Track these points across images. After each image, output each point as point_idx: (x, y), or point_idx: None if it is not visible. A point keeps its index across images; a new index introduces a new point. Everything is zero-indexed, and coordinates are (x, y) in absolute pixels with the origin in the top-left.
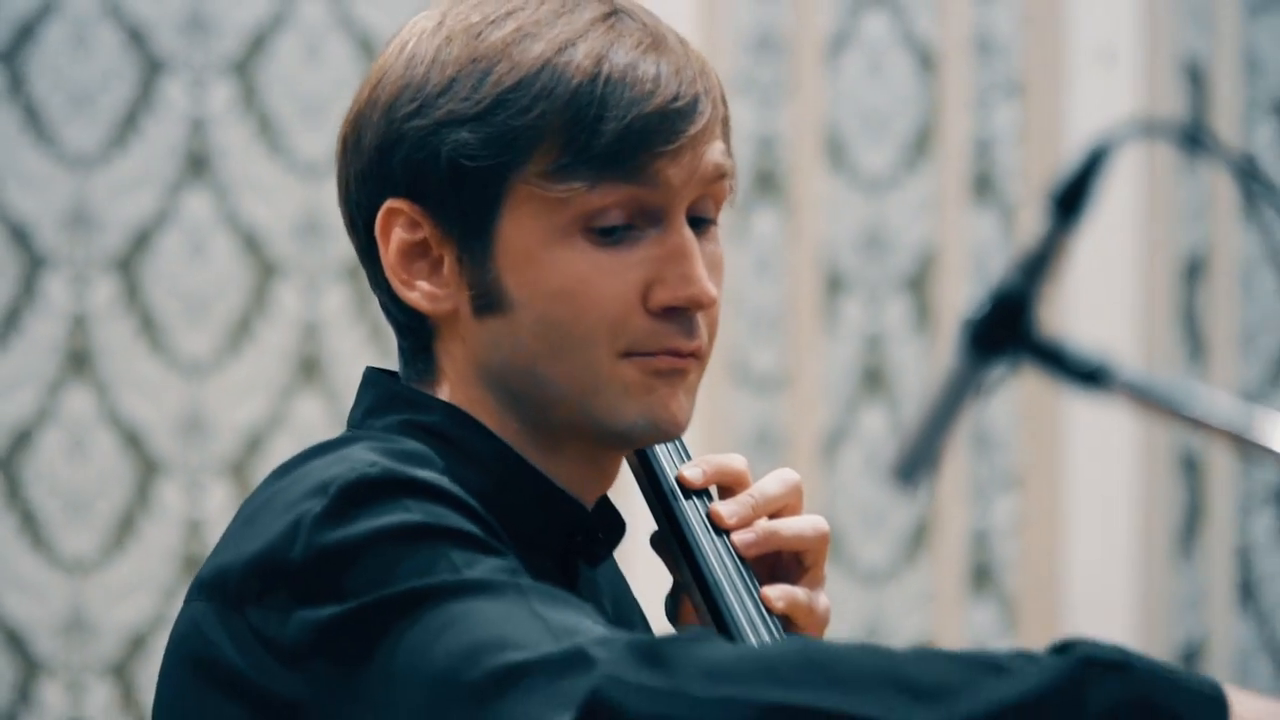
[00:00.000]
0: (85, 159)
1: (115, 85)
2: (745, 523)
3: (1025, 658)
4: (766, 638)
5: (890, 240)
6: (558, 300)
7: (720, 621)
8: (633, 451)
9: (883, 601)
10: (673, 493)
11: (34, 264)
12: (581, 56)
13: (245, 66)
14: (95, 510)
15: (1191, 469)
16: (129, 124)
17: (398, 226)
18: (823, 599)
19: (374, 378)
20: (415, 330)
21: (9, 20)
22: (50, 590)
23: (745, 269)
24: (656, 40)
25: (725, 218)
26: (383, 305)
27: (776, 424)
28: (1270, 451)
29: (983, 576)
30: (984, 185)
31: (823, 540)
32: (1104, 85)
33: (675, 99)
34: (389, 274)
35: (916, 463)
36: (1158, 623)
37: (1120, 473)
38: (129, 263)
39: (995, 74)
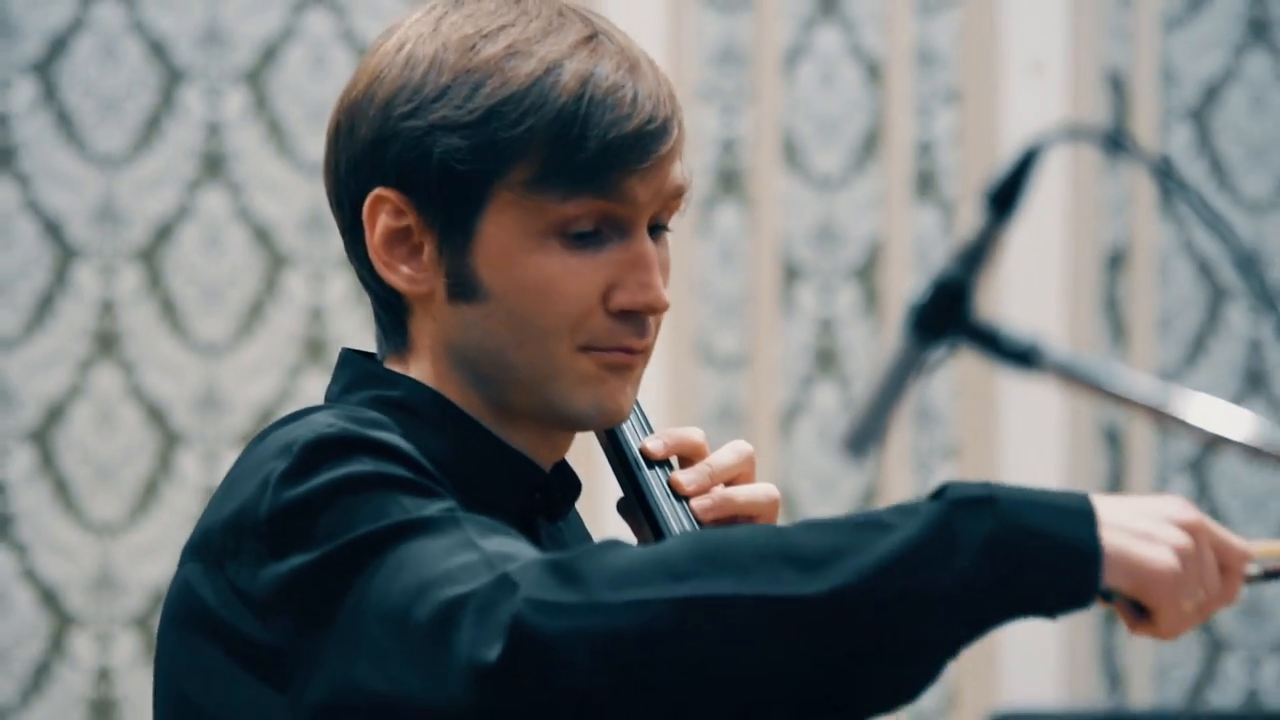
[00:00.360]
0: (112, 160)
1: (139, 93)
2: (703, 490)
3: (904, 510)
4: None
5: (841, 234)
6: (528, 295)
7: None
8: None
9: None
10: (636, 463)
11: (66, 255)
12: (568, 77)
13: (257, 76)
14: (121, 478)
15: (1113, 441)
16: (151, 128)
17: (384, 213)
18: None
19: (348, 358)
20: (391, 304)
21: (43, 34)
22: (81, 551)
23: (709, 259)
24: (633, 64)
25: (691, 212)
26: (360, 276)
27: (737, 400)
28: (1185, 425)
29: None
30: (926, 184)
31: (774, 505)
32: (1034, 94)
33: (650, 121)
34: (372, 255)
35: (865, 435)
36: None
37: (1049, 444)
38: (152, 254)
39: (935, 83)
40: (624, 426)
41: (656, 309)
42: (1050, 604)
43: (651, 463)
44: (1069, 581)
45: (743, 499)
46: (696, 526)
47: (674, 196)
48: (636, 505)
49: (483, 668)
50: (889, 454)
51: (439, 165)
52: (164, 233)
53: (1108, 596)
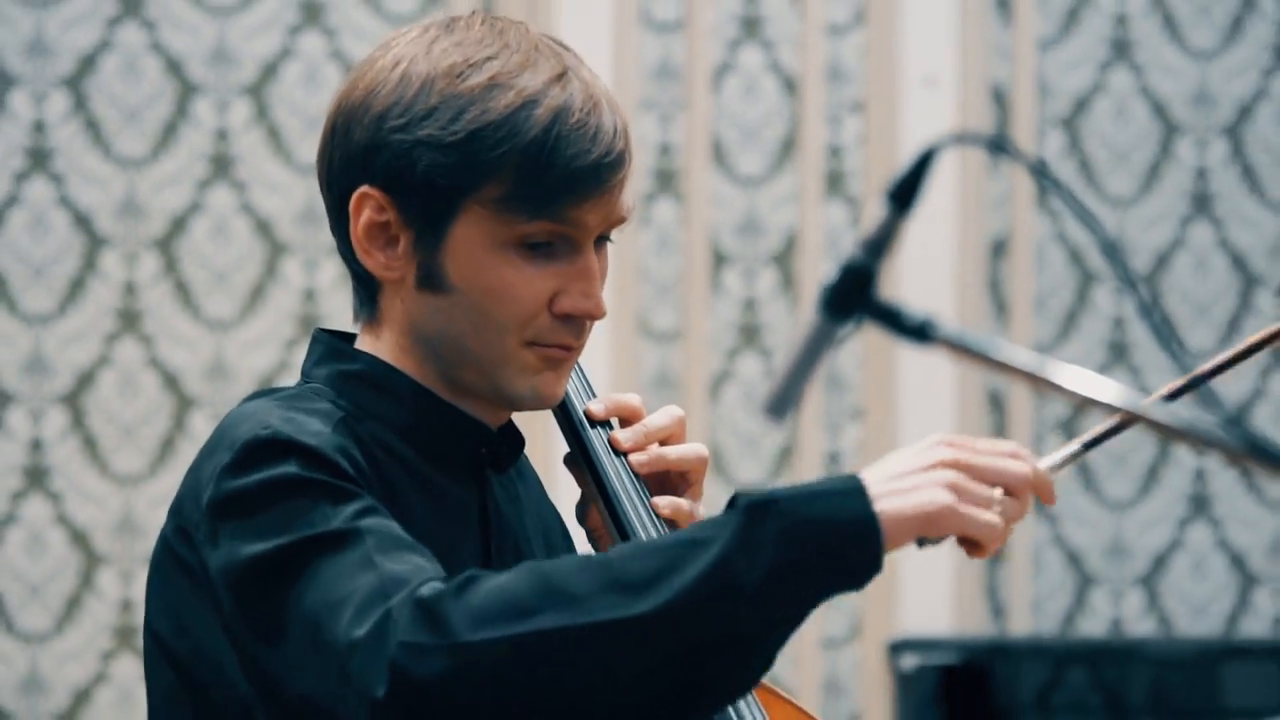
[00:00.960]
0: (134, 161)
1: (157, 104)
2: (639, 447)
3: (712, 524)
4: (654, 533)
5: (762, 226)
6: (486, 295)
7: (619, 524)
8: None
9: None
10: (581, 423)
11: (94, 244)
12: (540, 112)
13: (259, 90)
14: (142, 436)
15: (997, 404)
16: (168, 134)
17: (368, 208)
18: (700, 508)
19: (318, 336)
20: (366, 281)
21: (74, 53)
22: (107, 499)
23: (648, 247)
24: (595, 103)
25: (639, 207)
26: (341, 252)
27: (672, 369)
28: (1058, 390)
29: None
30: (835, 183)
31: (702, 461)
32: (928, 105)
33: (606, 155)
34: (354, 242)
35: (783, 400)
36: None
37: (941, 407)
38: (168, 243)
39: (843, 96)
40: (570, 391)
41: (594, 316)
42: (850, 577)
43: (594, 423)
44: (858, 553)
45: (674, 456)
46: (633, 478)
47: (619, 221)
48: (581, 460)
49: (374, 701)
50: (804, 415)
51: (422, 176)
52: (179, 225)
53: (921, 543)
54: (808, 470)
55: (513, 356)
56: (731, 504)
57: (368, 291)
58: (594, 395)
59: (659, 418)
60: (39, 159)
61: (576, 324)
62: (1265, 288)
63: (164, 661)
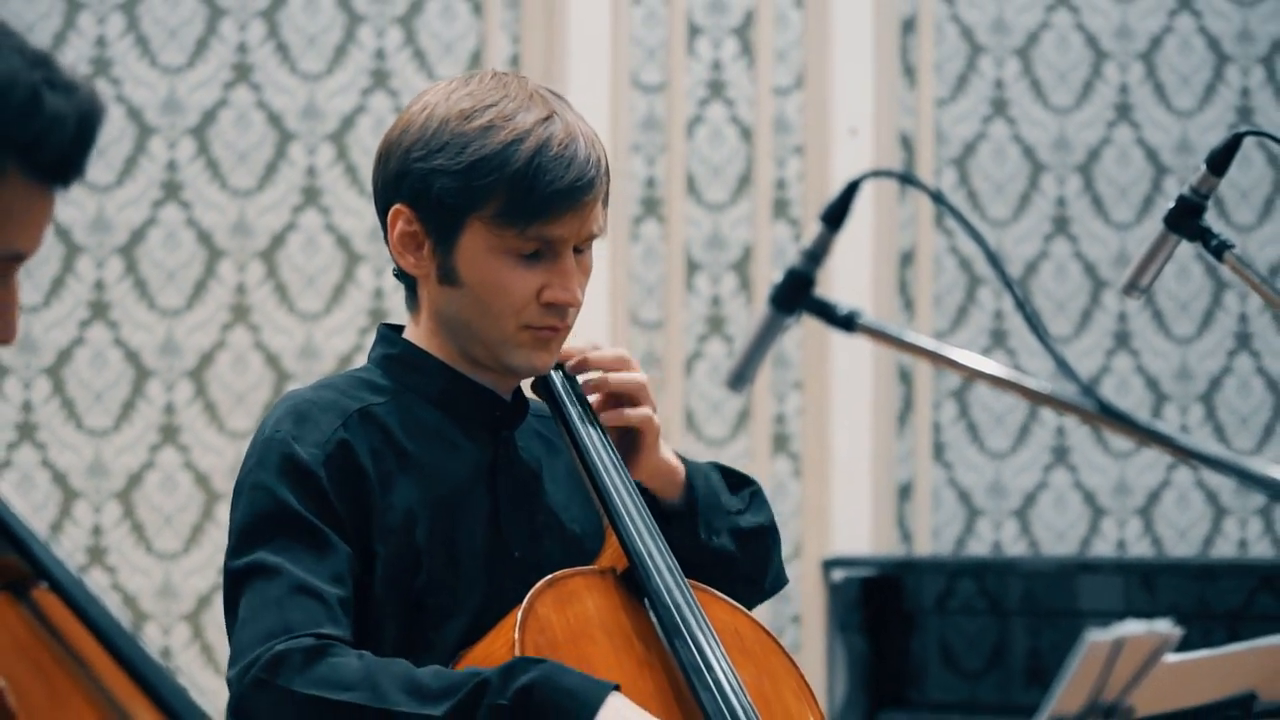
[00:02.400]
0: (245, 192)
1: (262, 148)
2: (581, 365)
3: (494, 673)
4: (605, 451)
5: (725, 241)
6: (488, 289)
7: (582, 459)
8: None
9: (720, 455)
10: (552, 385)
11: (213, 255)
12: (526, 146)
13: (340, 137)
14: (251, 402)
15: (904, 377)
16: (270, 171)
17: (401, 220)
18: (656, 419)
19: (380, 329)
20: (407, 278)
21: (198, 109)
22: (81, 447)
23: (637, 256)
24: (573, 139)
25: (625, 226)
26: (392, 256)
27: (656, 351)
28: (953, 365)
29: (781, 440)
30: (781, 209)
31: (641, 387)
32: (852, 149)
33: (577, 182)
34: (392, 247)
35: (741, 374)
36: (882, 468)
37: (862, 379)
38: (271, 254)
39: (787, 142)
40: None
41: (573, 305)
42: None
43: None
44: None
45: (615, 380)
46: (582, 399)
47: (591, 235)
48: (542, 387)
49: (229, 707)
50: (757, 386)
51: (436, 197)
52: (278, 240)
53: None
54: (760, 428)
55: (510, 337)
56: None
57: (409, 286)
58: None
59: (605, 351)
60: (171, 190)
61: (560, 310)
62: (1110, 288)
63: None
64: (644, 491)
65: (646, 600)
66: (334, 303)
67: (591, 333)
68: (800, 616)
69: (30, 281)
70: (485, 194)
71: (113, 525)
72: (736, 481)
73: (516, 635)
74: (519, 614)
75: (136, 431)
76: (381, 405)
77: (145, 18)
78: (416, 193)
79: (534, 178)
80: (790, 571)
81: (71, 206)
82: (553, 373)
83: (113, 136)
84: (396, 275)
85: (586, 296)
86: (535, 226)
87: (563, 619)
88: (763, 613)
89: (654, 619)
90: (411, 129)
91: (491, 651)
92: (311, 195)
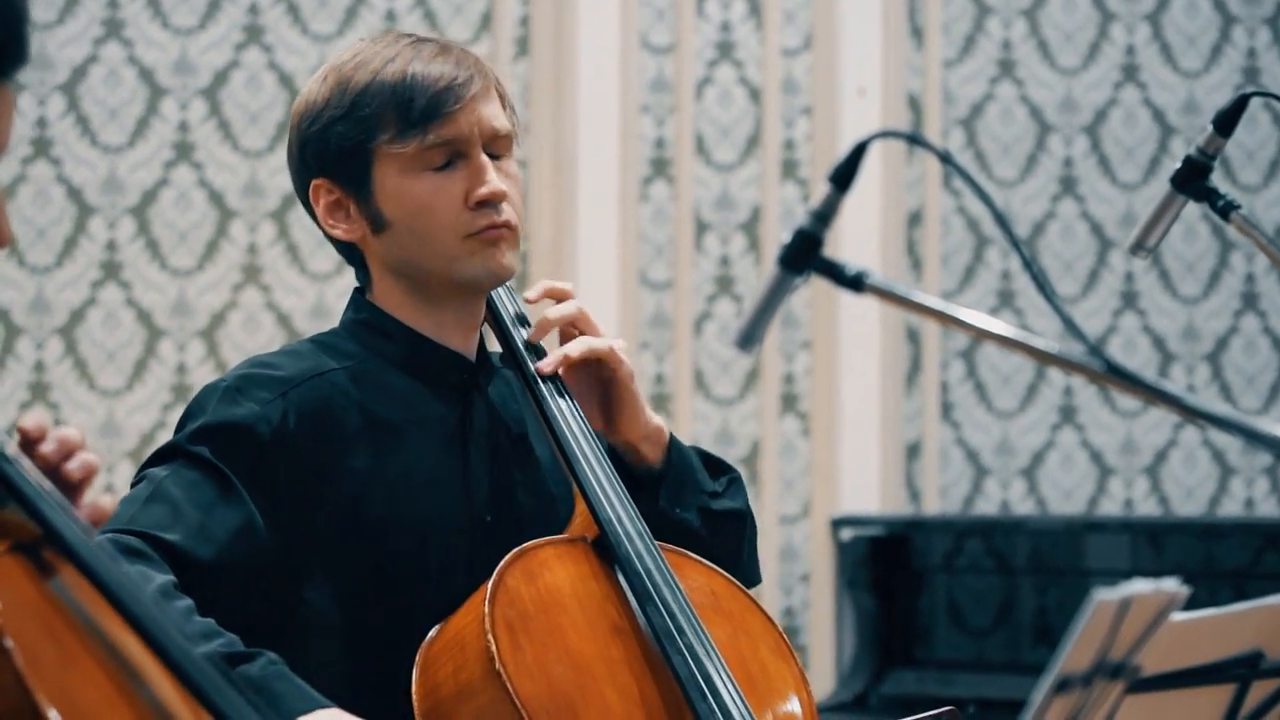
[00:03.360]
0: (256, 152)
1: (273, 109)
2: (537, 328)
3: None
4: (573, 419)
5: (734, 201)
6: (416, 214)
7: (522, 372)
8: (487, 311)
9: (729, 415)
10: (507, 331)
11: (225, 216)
12: (397, 65)
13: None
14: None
15: (913, 337)
16: (280, 131)
17: (321, 193)
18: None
19: (353, 293)
20: (349, 252)
21: (210, 70)
22: (94, 407)
23: (647, 217)
24: (444, 51)
25: (635, 187)
26: (328, 239)
27: (665, 311)
28: (961, 325)
29: (789, 400)
30: (790, 169)
31: (566, 319)
32: (861, 110)
33: (454, 79)
34: (321, 224)
35: (750, 334)
36: (890, 428)
37: (871, 339)
38: (282, 215)
39: (796, 102)
40: (499, 307)
41: (498, 197)
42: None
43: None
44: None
45: (554, 315)
46: (531, 351)
47: (495, 135)
48: (510, 358)
49: None
50: (766, 346)
51: (335, 148)
52: (289, 200)
53: None
54: (770, 386)
55: (457, 252)
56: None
57: (352, 260)
58: (524, 313)
59: (564, 306)
60: (184, 151)
61: (494, 207)
62: (1117, 249)
63: None
64: (616, 457)
65: (617, 567)
66: (344, 263)
67: (601, 293)
68: (809, 575)
69: (43, 242)
70: (375, 121)
71: (125, 485)
72: (717, 467)
73: (486, 609)
74: (488, 588)
75: (149, 391)
76: (342, 372)
77: None
78: (320, 156)
79: (411, 86)
80: (799, 531)
81: (84, 167)
82: (518, 343)
83: (124, 98)
84: (340, 250)
85: (598, 256)
86: (431, 131)
87: (533, 590)
88: (772, 573)
89: (625, 585)
90: (301, 105)
91: (464, 626)
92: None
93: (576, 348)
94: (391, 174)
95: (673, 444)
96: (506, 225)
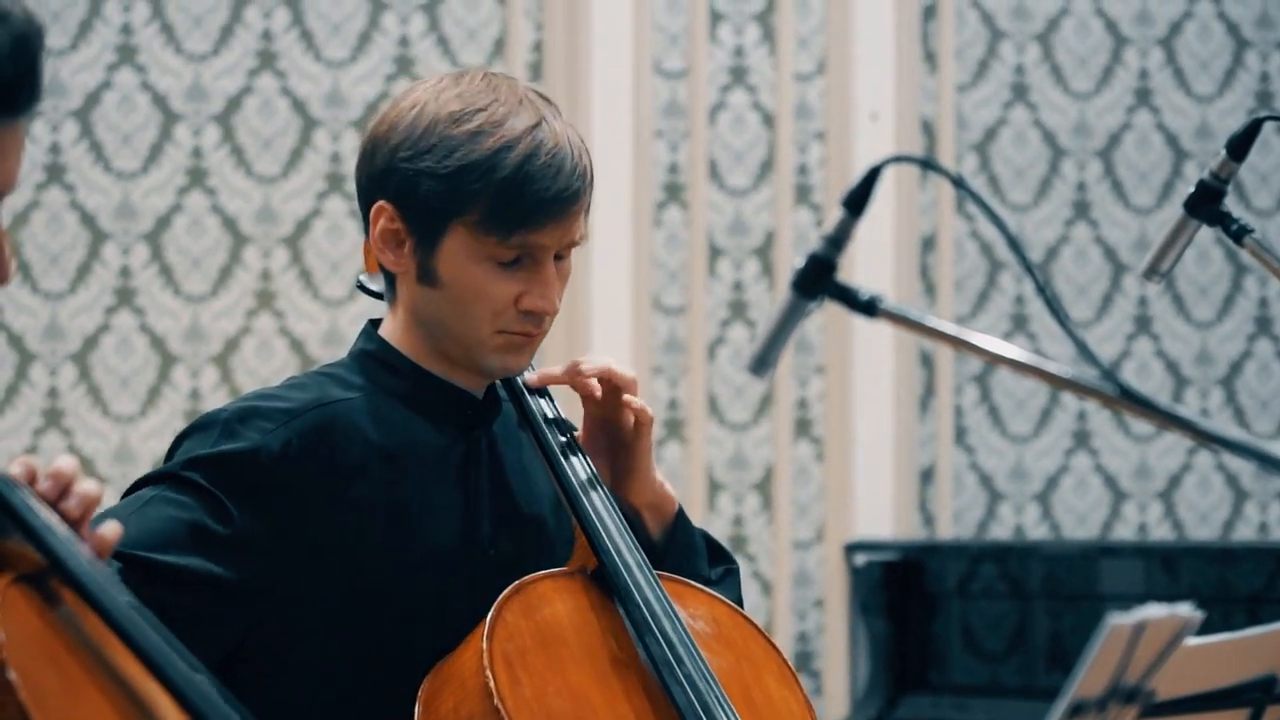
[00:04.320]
0: (269, 179)
1: (287, 134)
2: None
3: None
4: (571, 451)
5: (747, 226)
6: (466, 293)
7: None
8: None
9: (742, 440)
10: (521, 392)
11: (238, 242)
12: (512, 156)
13: (362, 124)
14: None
15: (927, 362)
16: (295, 157)
17: (383, 217)
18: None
19: (366, 324)
20: (386, 273)
21: (223, 95)
22: (108, 434)
23: (661, 242)
24: (561, 149)
25: (649, 211)
26: (374, 250)
27: (679, 336)
28: (974, 350)
29: (803, 425)
30: (803, 194)
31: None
32: (874, 134)
33: (563, 193)
34: (373, 242)
35: (764, 359)
36: (904, 452)
37: (883, 364)
38: (296, 240)
39: (809, 127)
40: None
41: (549, 313)
42: None
43: (531, 391)
44: None
45: (588, 368)
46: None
47: (573, 243)
48: (508, 388)
49: None
50: (779, 370)
51: (421, 198)
52: (303, 226)
53: None
54: (783, 411)
55: (486, 340)
56: None
57: (389, 280)
58: (549, 397)
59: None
60: (197, 177)
61: (537, 317)
62: (1131, 273)
63: None
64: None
65: (616, 598)
66: (358, 289)
67: (615, 318)
68: (823, 600)
69: (56, 269)
70: (471, 200)
71: None
72: (718, 554)
73: (484, 644)
74: (486, 623)
75: (163, 417)
76: (346, 403)
77: (170, 5)
78: (401, 192)
79: (520, 187)
80: (812, 556)
81: (97, 193)
82: (518, 382)
83: (138, 124)
84: (381, 269)
85: (611, 281)
86: (519, 235)
87: (532, 624)
88: (785, 598)
89: (624, 617)
90: (399, 127)
91: (462, 663)
92: (335, 181)
93: (591, 366)
94: (461, 248)
95: (679, 521)
96: (530, 337)
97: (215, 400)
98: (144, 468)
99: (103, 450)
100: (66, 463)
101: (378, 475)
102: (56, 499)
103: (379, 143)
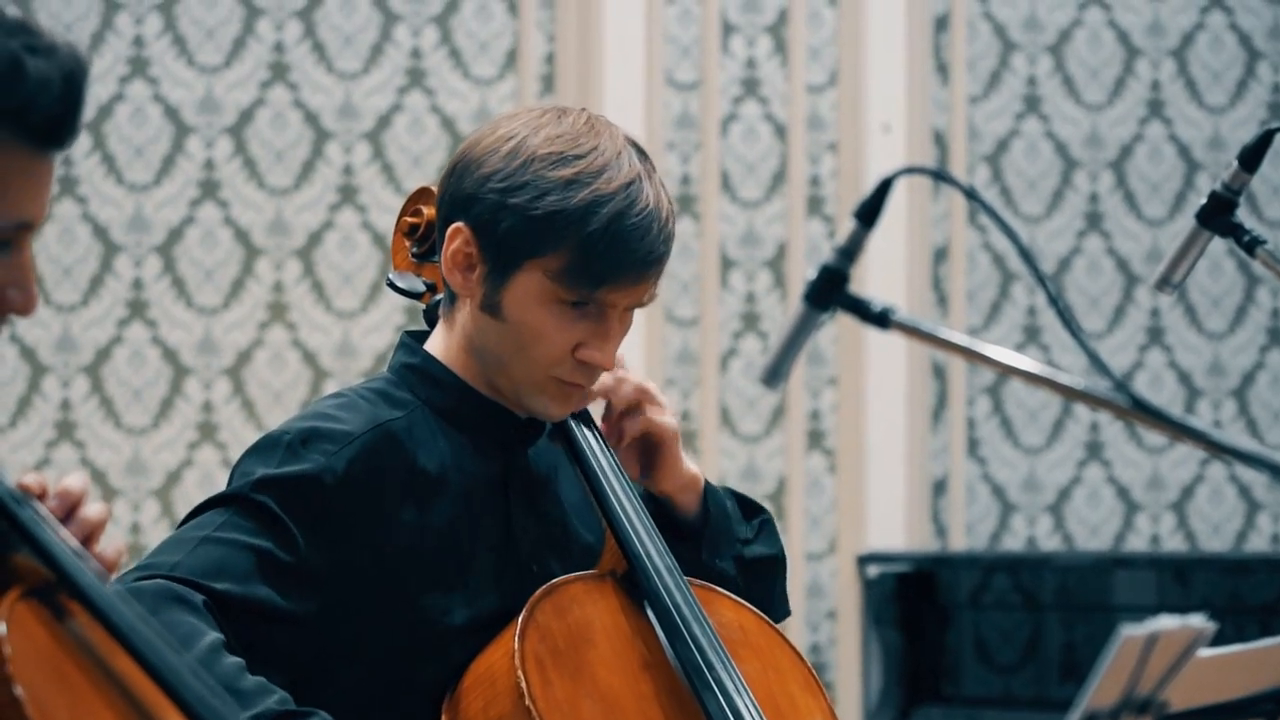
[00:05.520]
0: (282, 190)
1: (298, 147)
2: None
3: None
4: (602, 454)
5: (759, 238)
6: (528, 332)
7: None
8: None
9: (755, 452)
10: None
11: (250, 254)
12: (604, 212)
13: (376, 136)
14: (291, 398)
15: (939, 373)
16: (306, 170)
17: (459, 239)
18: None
19: (402, 337)
20: (449, 289)
21: (235, 108)
22: (120, 446)
23: (672, 254)
24: (650, 213)
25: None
26: (439, 262)
27: (691, 348)
28: (987, 361)
29: (815, 436)
30: (815, 205)
31: (641, 393)
32: (886, 146)
33: (647, 256)
34: (443, 260)
35: (776, 371)
36: (917, 464)
37: (896, 376)
38: (307, 252)
39: (821, 139)
40: None
41: (605, 368)
42: None
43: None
44: None
45: (618, 398)
46: (606, 450)
47: (643, 304)
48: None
49: None
50: (792, 382)
51: (503, 233)
52: (315, 238)
53: None
54: (795, 424)
55: (537, 384)
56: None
57: (450, 297)
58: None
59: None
60: (209, 189)
61: (591, 370)
62: (1143, 284)
63: None
64: (655, 502)
65: (646, 602)
66: (370, 301)
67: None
68: (835, 612)
69: (69, 281)
70: (553, 246)
71: (151, 524)
72: (749, 508)
73: (516, 645)
74: (518, 624)
75: (175, 429)
76: (398, 421)
77: (183, 18)
78: (483, 220)
79: (605, 245)
80: (825, 567)
81: (110, 206)
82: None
83: (150, 136)
84: (445, 284)
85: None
86: (596, 291)
87: (563, 625)
88: (798, 609)
89: (654, 620)
90: (495, 156)
91: (494, 661)
92: (348, 194)
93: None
94: (533, 289)
95: (708, 492)
96: (580, 388)
97: (228, 413)
98: (156, 480)
99: (115, 462)
100: (75, 482)
101: (424, 495)
102: (62, 518)
103: (470, 166)
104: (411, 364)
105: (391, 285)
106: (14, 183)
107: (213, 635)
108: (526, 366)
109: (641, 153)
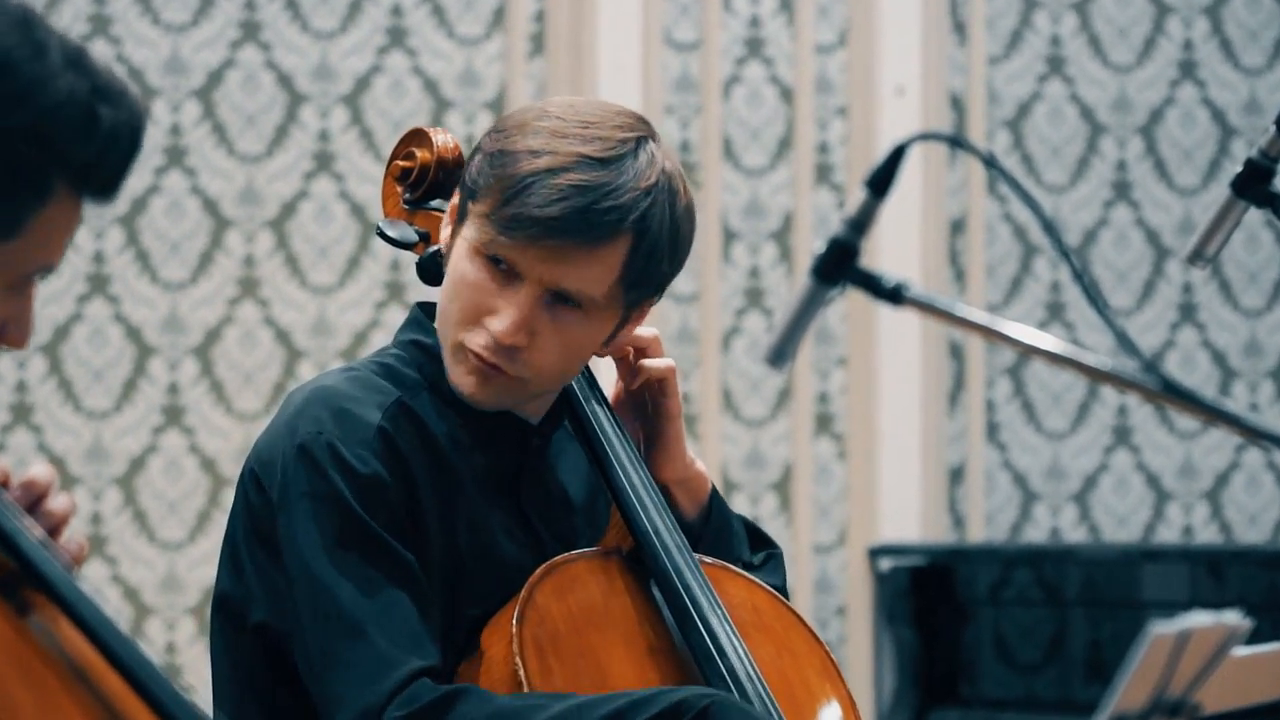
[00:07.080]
0: (253, 158)
1: (271, 110)
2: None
3: (660, 693)
4: (610, 428)
5: (763, 209)
6: (452, 285)
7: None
8: None
9: (759, 437)
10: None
11: (220, 225)
12: (537, 164)
13: (354, 99)
14: (260, 380)
15: (956, 353)
16: (279, 135)
17: (457, 193)
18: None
19: (413, 309)
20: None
21: (203, 69)
22: (80, 430)
23: None
24: (593, 188)
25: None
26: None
27: (691, 325)
28: (1007, 340)
29: (824, 421)
30: (823, 174)
31: (669, 370)
32: (899, 110)
33: (556, 220)
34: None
35: (782, 350)
36: (932, 450)
37: (911, 355)
38: (281, 224)
39: (830, 103)
40: None
41: (500, 344)
42: None
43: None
44: None
45: (648, 365)
46: (590, 382)
47: (561, 290)
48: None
49: None
50: (799, 363)
51: (466, 177)
52: (289, 209)
53: None
54: (802, 406)
55: (451, 348)
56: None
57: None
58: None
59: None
60: (175, 156)
61: (497, 345)
62: (1175, 258)
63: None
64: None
65: (653, 581)
66: (348, 275)
67: None
68: (846, 608)
69: None
70: (485, 189)
71: (113, 513)
72: (758, 539)
73: (514, 629)
74: (516, 606)
75: (138, 413)
76: (415, 401)
77: None
78: (469, 166)
79: (518, 193)
80: (834, 560)
81: None
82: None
83: None
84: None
85: None
86: (503, 238)
87: (564, 608)
88: (805, 605)
89: (661, 601)
90: (507, 118)
91: (491, 645)
92: (324, 161)
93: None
94: (466, 238)
95: (714, 501)
96: (495, 369)
97: (195, 395)
98: (118, 466)
99: (74, 448)
100: (42, 473)
101: (448, 482)
102: (27, 509)
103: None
104: (420, 341)
105: (381, 234)
106: (59, 234)
107: (534, 700)
108: (445, 326)
109: (664, 171)
